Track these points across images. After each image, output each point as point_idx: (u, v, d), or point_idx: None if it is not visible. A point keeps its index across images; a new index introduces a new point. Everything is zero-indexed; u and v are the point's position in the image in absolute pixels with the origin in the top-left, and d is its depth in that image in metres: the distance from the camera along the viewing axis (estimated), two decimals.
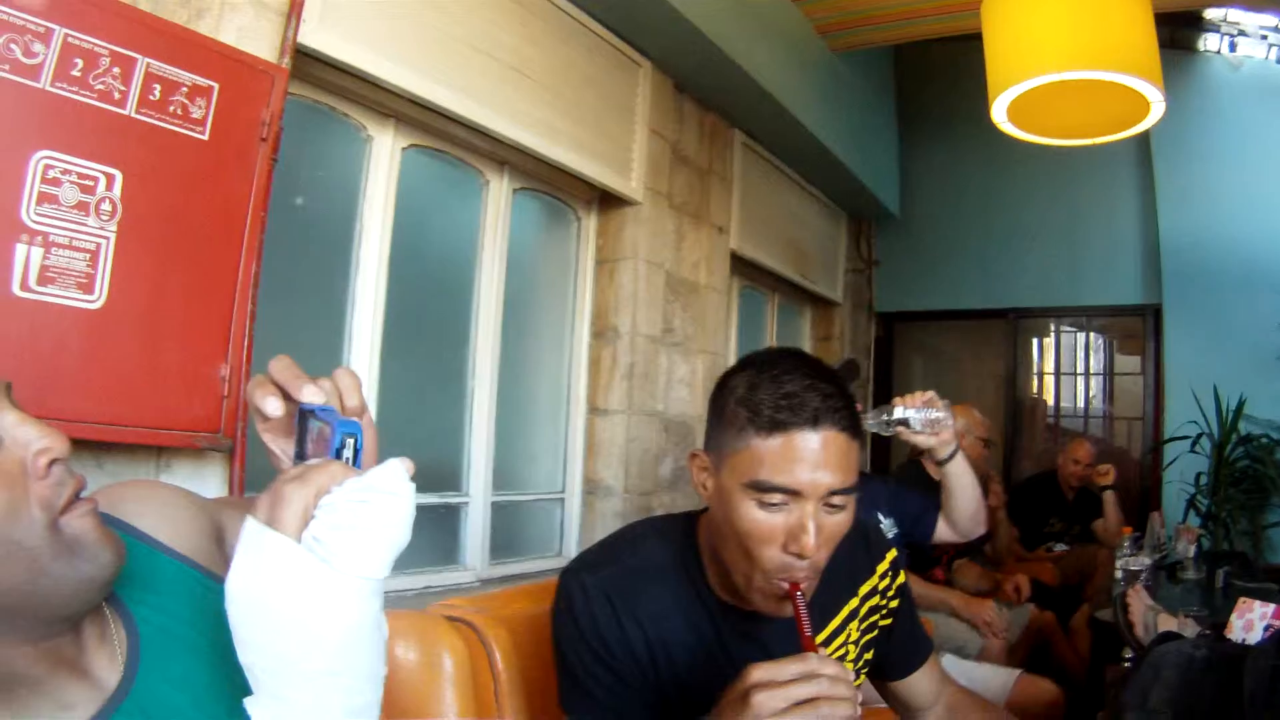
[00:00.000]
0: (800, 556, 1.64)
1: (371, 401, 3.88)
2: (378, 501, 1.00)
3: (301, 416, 1.09)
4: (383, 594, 1.03)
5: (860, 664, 2.08)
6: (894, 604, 2.14)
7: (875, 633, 2.11)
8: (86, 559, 1.01)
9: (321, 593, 0.96)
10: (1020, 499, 7.08)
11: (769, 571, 1.68)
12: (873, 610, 2.09)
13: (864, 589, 2.07)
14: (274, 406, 1.07)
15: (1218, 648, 2.70)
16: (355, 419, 1.07)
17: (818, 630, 1.86)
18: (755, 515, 1.67)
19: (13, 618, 0.97)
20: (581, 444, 5.42)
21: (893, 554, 2.16)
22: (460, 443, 4.65)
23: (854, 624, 2.04)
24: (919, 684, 2.20)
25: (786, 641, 1.67)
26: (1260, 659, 2.37)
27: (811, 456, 1.64)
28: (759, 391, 1.71)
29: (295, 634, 0.96)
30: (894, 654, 2.18)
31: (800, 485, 1.63)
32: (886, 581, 2.13)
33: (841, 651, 2.01)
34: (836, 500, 1.67)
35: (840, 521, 1.70)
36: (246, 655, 0.98)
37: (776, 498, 1.65)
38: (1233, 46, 8.03)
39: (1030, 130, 4.46)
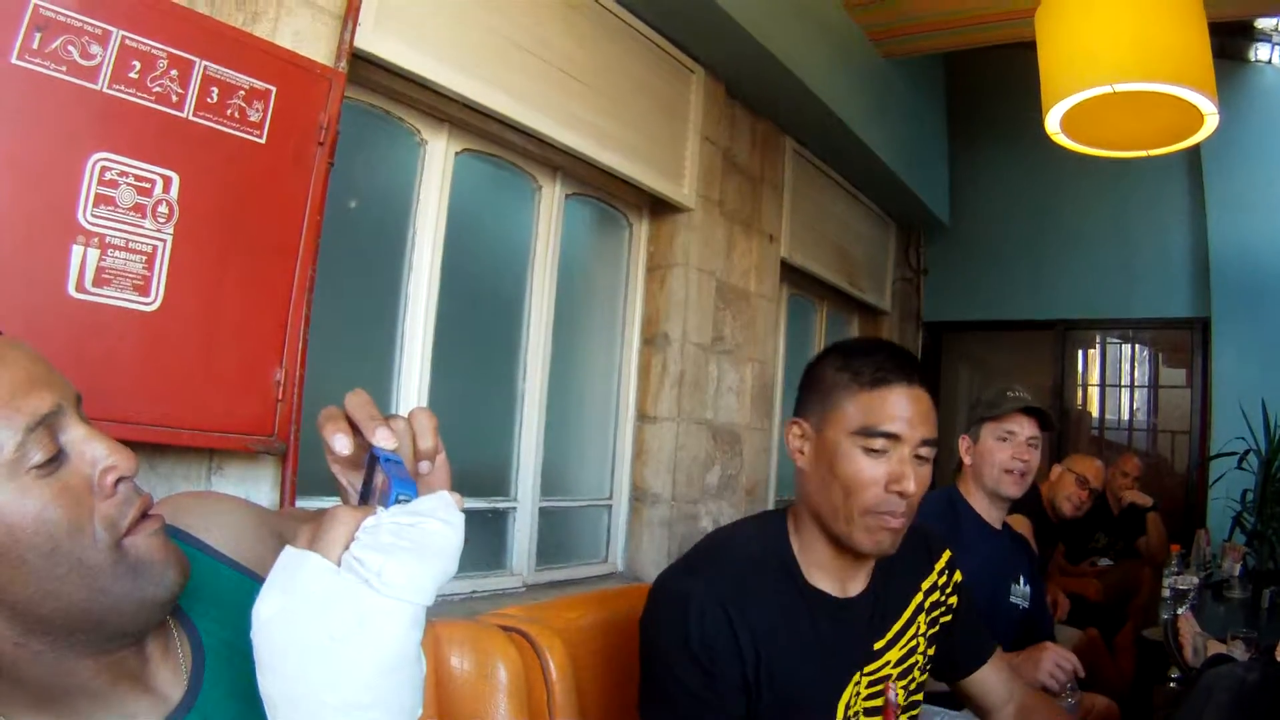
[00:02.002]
0: (902, 495, 1.87)
1: (422, 405, 3.89)
2: (425, 525, 0.96)
3: (371, 458, 1.06)
4: (423, 626, 0.96)
5: (925, 659, 2.19)
6: (953, 600, 2.28)
7: (938, 628, 2.23)
8: (150, 580, 1.00)
9: (359, 614, 0.90)
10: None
11: (871, 507, 1.89)
12: (935, 605, 2.23)
13: (925, 584, 2.22)
14: (343, 444, 1.03)
15: (1270, 671, 2.67)
16: (413, 480, 1.02)
17: (892, 621, 2.10)
18: (860, 462, 1.90)
19: (73, 632, 0.96)
20: (630, 451, 5.40)
21: (948, 554, 2.32)
22: (509, 447, 4.65)
23: (921, 617, 2.17)
24: (989, 680, 2.35)
25: (872, 627, 2.05)
26: None
27: (909, 408, 1.90)
28: (856, 360, 1.96)
29: (327, 660, 0.89)
30: (958, 650, 2.32)
31: (901, 431, 1.89)
32: (945, 578, 2.28)
33: (913, 644, 2.13)
34: (924, 451, 1.92)
35: (927, 474, 1.94)
36: (268, 684, 0.92)
37: (879, 443, 1.89)
38: None
39: (1082, 140, 4.43)
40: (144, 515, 1.02)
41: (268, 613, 0.91)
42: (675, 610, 1.89)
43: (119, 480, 0.99)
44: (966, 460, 3.48)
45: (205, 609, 1.14)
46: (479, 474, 4.51)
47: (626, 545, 5.33)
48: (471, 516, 4.23)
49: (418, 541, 0.94)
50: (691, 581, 1.93)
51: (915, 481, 1.88)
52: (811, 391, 2.04)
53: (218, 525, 1.23)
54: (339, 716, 0.90)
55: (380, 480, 1.01)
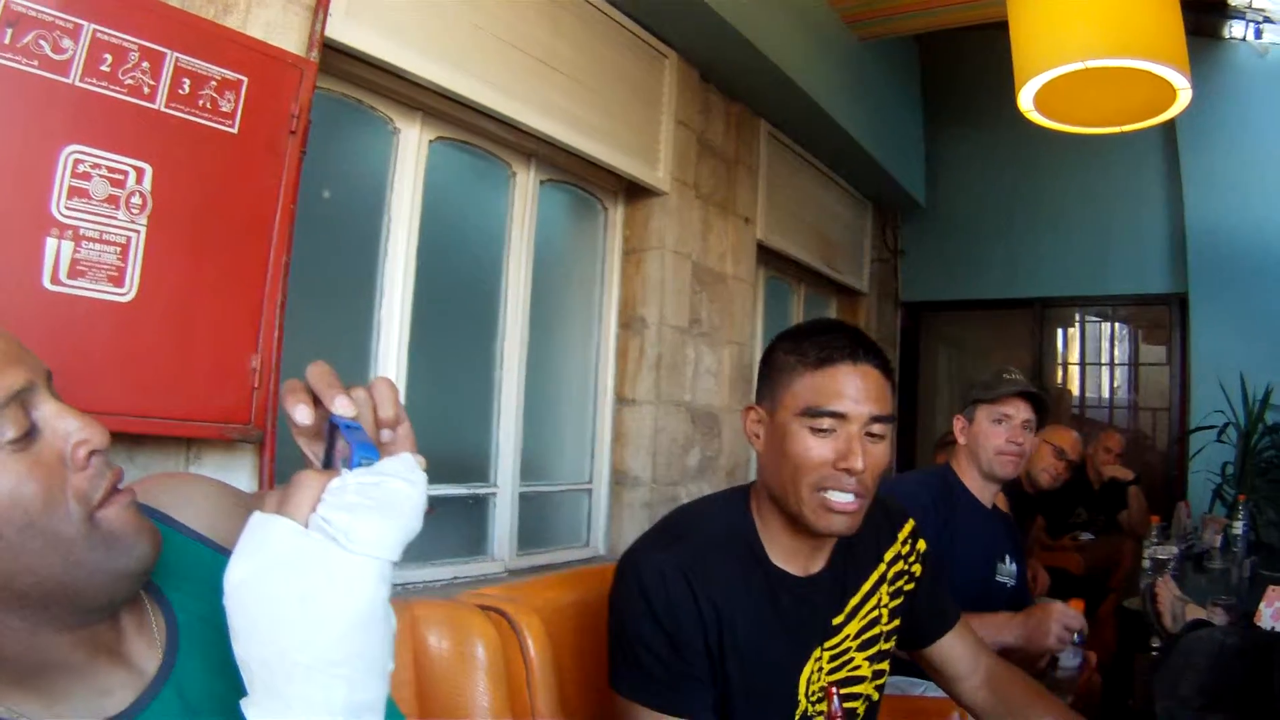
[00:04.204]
0: (849, 473, 1.88)
1: (400, 392, 3.89)
2: (389, 484, 0.97)
3: (331, 427, 1.07)
4: (391, 582, 0.97)
5: (890, 627, 2.21)
6: (916, 569, 2.29)
7: (901, 599, 2.25)
8: (122, 552, 1.01)
9: (328, 572, 0.92)
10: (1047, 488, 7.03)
11: (818, 484, 1.91)
12: (899, 575, 2.25)
13: (889, 555, 2.24)
14: (303, 415, 1.04)
15: (1248, 635, 2.69)
16: (375, 445, 1.03)
17: (851, 594, 2.13)
18: (808, 442, 1.91)
19: (48, 606, 0.97)
20: (609, 434, 5.43)
21: (911, 523, 2.33)
22: (488, 433, 4.66)
23: (884, 588, 2.20)
24: (952, 649, 2.36)
25: (832, 603, 2.08)
26: None
27: (854, 386, 1.91)
28: (804, 341, 1.99)
29: (298, 619, 0.91)
30: (921, 618, 2.33)
31: (846, 409, 1.89)
32: (908, 548, 2.29)
33: (875, 614, 2.16)
34: (877, 429, 1.93)
35: (882, 451, 1.95)
36: (242, 648, 0.93)
37: (826, 422, 1.90)
38: (1258, 33, 7.96)
39: (1056, 118, 4.44)
40: (116, 489, 1.03)
41: (238, 577, 0.93)
42: (640, 581, 1.93)
43: (91, 453, 1.00)
44: (961, 440, 3.51)
45: (179, 584, 1.15)
46: (458, 460, 4.51)
47: (608, 528, 5.36)
48: (451, 502, 4.28)
49: (383, 500, 0.96)
50: (655, 554, 1.97)
51: (865, 459, 1.88)
52: (765, 376, 2.08)
53: (190, 503, 1.24)
54: (312, 675, 0.91)
55: (341, 448, 1.03)
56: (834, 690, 1.98)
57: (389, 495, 0.97)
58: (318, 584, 0.91)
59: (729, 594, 1.95)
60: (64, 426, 1.00)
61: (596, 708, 2.21)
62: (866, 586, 2.16)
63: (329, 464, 1.06)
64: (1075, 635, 2.88)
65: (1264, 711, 2.29)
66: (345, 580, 0.92)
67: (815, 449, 1.90)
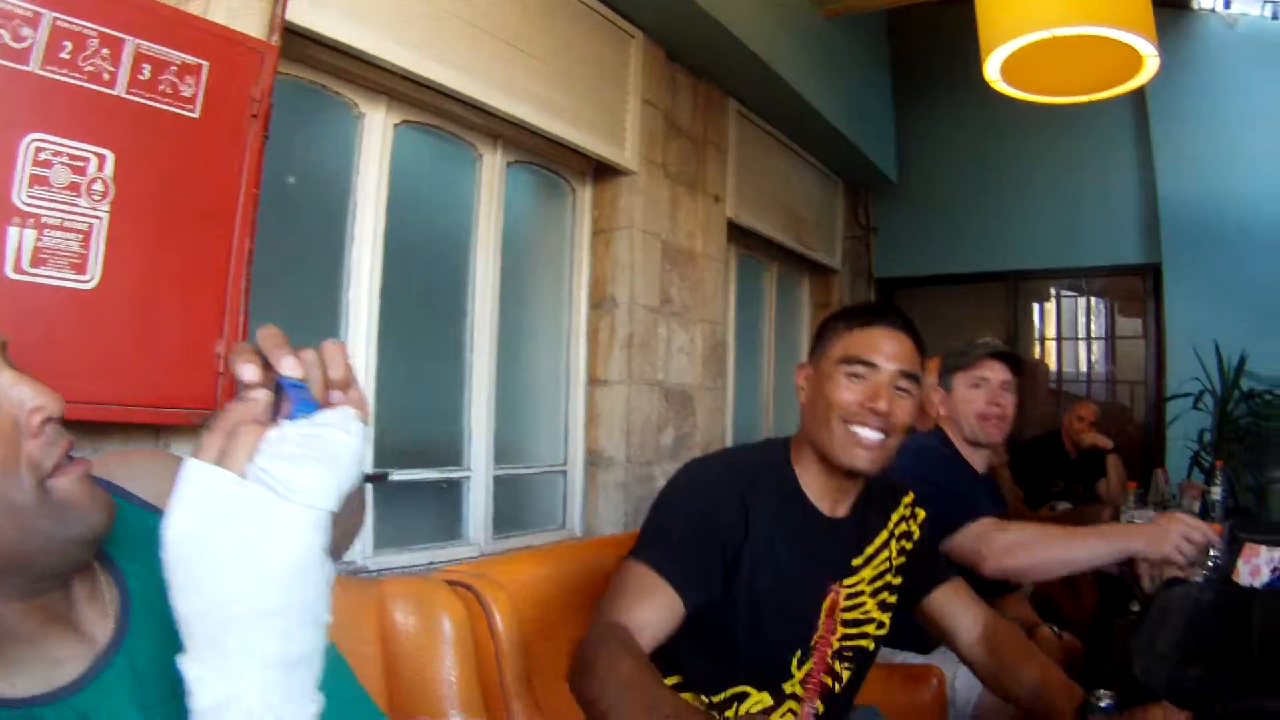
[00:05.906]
0: (875, 412, 2.15)
1: (370, 378, 3.90)
2: (328, 434, 0.98)
3: (279, 388, 1.08)
4: (328, 531, 0.97)
5: (896, 581, 2.45)
6: (916, 532, 2.53)
7: (904, 558, 2.48)
8: (76, 520, 1.01)
9: (266, 522, 0.92)
10: (1024, 459, 7.00)
11: (846, 414, 2.18)
12: (903, 535, 2.49)
13: (895, 517, 2.49)
14: (249, 373, 1.03)
15: (1225, 590, 2.72)
16: (315, 401, 1.05)
17: (867, 544, 2.39)
18: (842, 384, 2.20)
19: (3, 576, 0.98)
20: (582, 415, 5.44)
21: (911, 494, 2.58)
22: (460, 417, 4.67)
23: (893, 543, 2.45)
24: (949, 604, 2.55)
25: (852, 544, 2.34)
26: (1270, 598, 2.39)
27: (888, 344, 2.21)
28: (854, 313, 2.33)
29: (236, 569, 0.91)
30: (918, 572, 2.53)
31: (878, 361, 2.18)
32: (909, 512, 2.54)
33: (885, 565, 2.41)
34: (904, 384, 2.21)
35: (908, 406, 2.22)
36: (181, 602, 0.94)
37: (859, 369, 2.19)
38: (1228, 3, 8.00)
39: (1025, 89, 4.45)
40: (69, 458, 1.04)
41: (177, 531, 0.93)
42: (699, 478, 2.26)
43: (45, 420, 1.01)
44: (942, 412, 3.51)
45: (131, 553, 1.16)
46: (431, 444, 4.52)
47: (583, 509, 5.37)
48: (425, 487, 4.28)
49: (322, 450, 0.96)
50: (718, 470, 2.29)
51: (890, 403, 2.16)
52: (817, 341, 2.37)
53: (144, 475, 1.25)
54: (248, 624, 0.92)
55: (285, 408, 1.03)
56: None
57: (329, 446, 0.97)
58: (256, 534, 0.92)
59: (773, 514, 2.21)
60: (18, 394, 1.00)
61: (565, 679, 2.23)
62: (879, 540, 2.41)
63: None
64: (1209, 556, 2.79)
65: (1239, 665, 2.31)
66: (283, 529, 0.93)
67: (848, 389, 2.19)
